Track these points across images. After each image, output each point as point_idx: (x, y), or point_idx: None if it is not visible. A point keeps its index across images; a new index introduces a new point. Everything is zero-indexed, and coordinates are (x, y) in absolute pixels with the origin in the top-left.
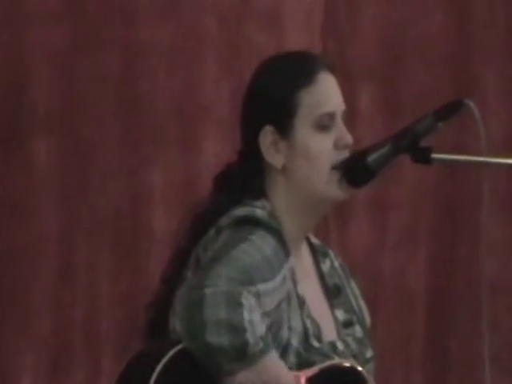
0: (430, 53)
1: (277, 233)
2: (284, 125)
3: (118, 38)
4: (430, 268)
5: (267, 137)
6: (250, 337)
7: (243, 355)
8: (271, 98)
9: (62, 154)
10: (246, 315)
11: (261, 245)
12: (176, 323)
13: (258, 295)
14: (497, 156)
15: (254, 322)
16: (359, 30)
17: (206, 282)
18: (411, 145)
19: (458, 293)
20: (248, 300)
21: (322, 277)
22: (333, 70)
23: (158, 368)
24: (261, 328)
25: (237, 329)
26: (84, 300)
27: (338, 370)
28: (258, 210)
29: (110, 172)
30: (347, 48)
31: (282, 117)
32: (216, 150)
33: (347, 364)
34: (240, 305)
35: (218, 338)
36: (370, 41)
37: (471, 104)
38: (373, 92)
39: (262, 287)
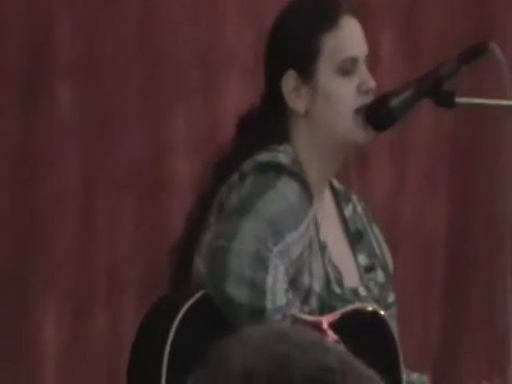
0: None
1: (300, 178)
2: (306, 69)
3: None
4: (449, 211)
5: (290, 81)
6: (269, 303)
7: (260, 318)
8: (294, 41)
9: (85, 101)
10: (269, 281)
11: (286, 192)
12: (200, 266)
13: (287, 248)
14: None
15: (276, 290)
16: None
17: (234, 236)
18: (434, 88)
19: (478, 236)
20: (275, 268)
21: (344, 222)
22: (356, 14)
23: (181, 312)
24: (281, 299)
25: (258, 289)
26: (107, 246)
27: (359, 315)
28: (281, 155)
29: (133, 118)
30: None
31: (304, 61)
32: (239, 96)
33: (369, 308)
34: (266, 270)
35: (237, 291)
36: None
37: (495, 47)
38: (394, 36)
39: (289, 237)
